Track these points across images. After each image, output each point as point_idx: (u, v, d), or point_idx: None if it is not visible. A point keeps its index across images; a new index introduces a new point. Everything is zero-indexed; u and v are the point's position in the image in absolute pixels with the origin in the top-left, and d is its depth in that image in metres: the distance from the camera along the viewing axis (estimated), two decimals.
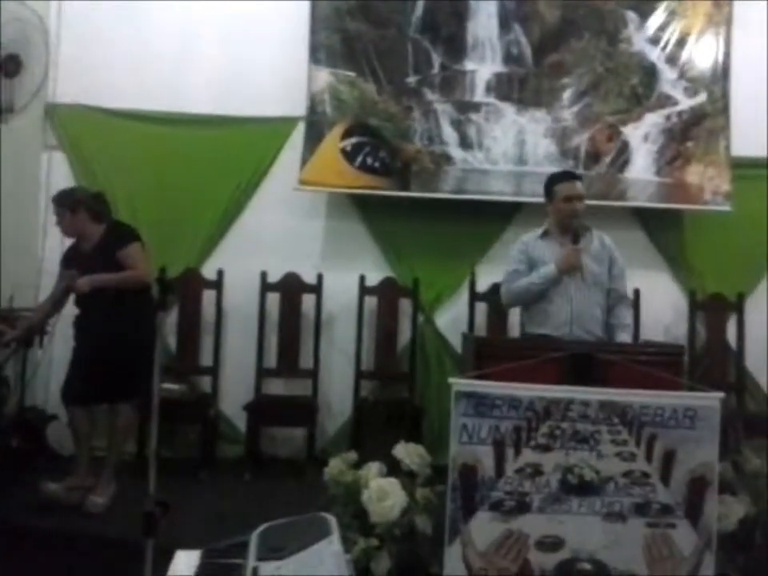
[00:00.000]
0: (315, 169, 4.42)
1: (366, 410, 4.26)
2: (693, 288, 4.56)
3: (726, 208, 4.42)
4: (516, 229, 4.47)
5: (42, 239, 4.46)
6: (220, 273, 4.46)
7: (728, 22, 4.50)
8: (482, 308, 4.49)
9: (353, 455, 2.52)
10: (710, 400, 2.32)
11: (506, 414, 2.25)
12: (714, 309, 4.55)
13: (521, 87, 4.50)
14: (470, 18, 4.48)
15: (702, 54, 4.51)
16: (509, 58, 4.50)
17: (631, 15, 4.51)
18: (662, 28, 4.51)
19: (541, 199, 4.34)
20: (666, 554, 2.26)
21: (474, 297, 4.47)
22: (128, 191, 4.45)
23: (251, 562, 1.31)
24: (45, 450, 4.07)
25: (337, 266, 4.51)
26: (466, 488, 2.22)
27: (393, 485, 2.34)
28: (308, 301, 4.48)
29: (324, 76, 4.46)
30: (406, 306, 4.52)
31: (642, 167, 4.46)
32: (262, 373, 4.40)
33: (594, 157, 4.47)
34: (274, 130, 4.59)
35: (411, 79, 4.48)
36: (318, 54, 4.46)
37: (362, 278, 4.47)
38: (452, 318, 4.54)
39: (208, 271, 4.50)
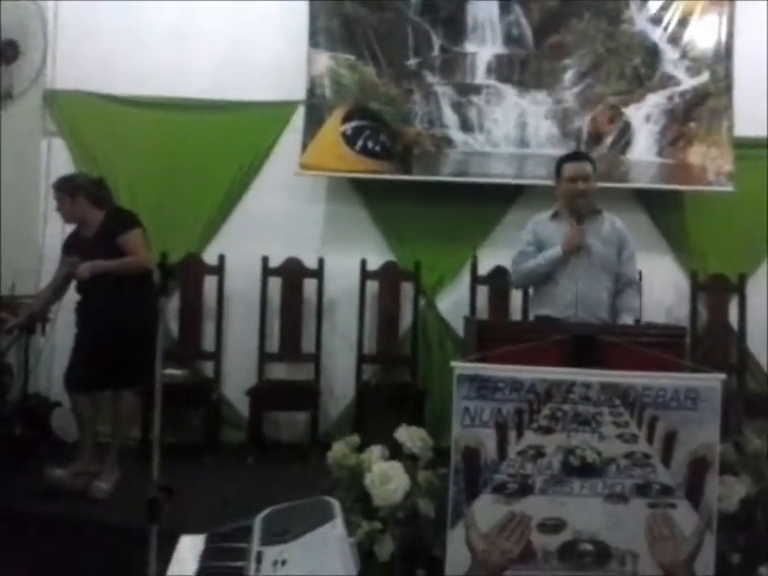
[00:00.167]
0: (316, 153, 4.40)
1: (369, 393, 4.28)
2: (694, 269, 4.56)
3: (729, 188, 4.40)
4: (518, 211, 4.47)
5: (42, 226, 4.46)
6: (221, 258, 4.46)
7: (731, 1, 4.46)
8: (483, 291, 4.49)
9: (356, 439, 2.52)
10: (712, 381, 2.32)
11: (508, 396, 2.26)
12: (715, 290, 4.55)
13: (522, 69, 4.47)
14: None
15: (705, 33, 4.47)
16: (509, 40, 4.47)
17: None
18: (664, 8, 4.47)
19: (542, 181, 4.38)
20: (667, 535, 2.27)
21: (476, 280, 4.47)
22: (128, 177, 4.44)
23: (255, 546, 1.32)
24: (49, 437, 4.10)
25: (338, 250, 4.51)
26: (469, 471, 2.22)
27: (395, 468, 2.35)
28: (309, 285, 4.48)
29: (324, 59, 4.43)
30: (407, 289, 4.52)
31: (644, 148, 4.44)
32: (264, 357, 4.41)
33: (595, 138, 4.45)
34: (274, 114, 4.57)
35: (411, 62, 4.45)
36: (317, 37, 4.43)
37: (364, 262, 4.47)
38: (454, 302, 4.54)
39: (209, 256, 4.50)
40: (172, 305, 4.37)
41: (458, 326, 4.37)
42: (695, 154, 4.42)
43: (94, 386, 3.49)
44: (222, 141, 4.53)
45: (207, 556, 1.37)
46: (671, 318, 4.43)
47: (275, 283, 4.48)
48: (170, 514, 2.07)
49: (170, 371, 3.80)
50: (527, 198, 4.48)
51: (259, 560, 1.25)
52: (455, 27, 4.45)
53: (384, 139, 4.43)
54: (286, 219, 4.50)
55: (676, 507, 2.27)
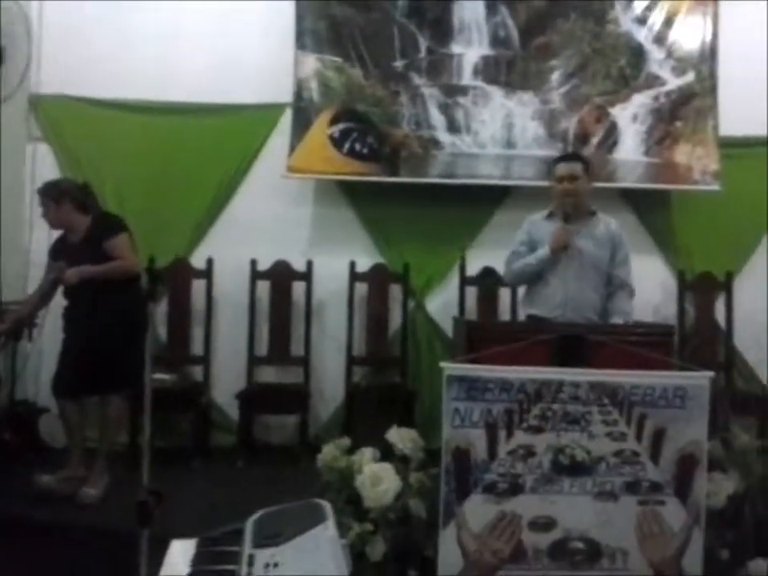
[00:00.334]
0: (303, 156, 4.40)
1: (358, 395, 4.27)
2: (682, 268, 4.58)
3: (715, 187, 4.43)
4: (505, 212, 4.49)
5: (29, 232, 4.42)
6: (209, 262, 4.45)
7: (715, 1, 4.49)
8: (472, 292, 4.50)
9: (346, 441, 2.52)
10: (700, 379, 2.34)
11: (498, 396, 2.26)
12: (702, 288, 4.58)
13: (508, 70, 4.48)
14: (455, 0, 4.46)
15: (690, 33, 4.50)
16: (496, 41, 4.48)
17: None
18: (649, 8, 4.50)
19: (529, 182, 4.41)
20: (656, 531, 2.28)
21: (465, 281, 4.47)
22: (115, 181, 4.42)
23: (247, 549, 1.32)
24: (37, 443, 4.07)
25: (326, 252, 4.51)
26: (460, 471, 2.23)
27: (386, 470, 2.35)
28: (298, 288, 4.48)
29: (310, 62, 4.43)
30: (396, 291, 4.53)
31: (630, 148, 4.46)
32: (253, 361, 4.40)
33: (582, 138, 4.47)
34: (260, 117, 4.56)
35: (398, 63, 4.46)
36: (304, 39, 4.43)
37: (353, 265, 4.47)
38: (443, 303, 4.54)
39: (197, 260, 4.48)
40: (160, 309, 4.35)
41: (447, 327, 4.38)
42: (681, 154, 4.45)
43: (81, 392, 3.48)
44: (209, 144, 4.51)
45: (198, 560, 1.37)
46: (659, 317, 4.45)
47: (264, 286, 4.47)
48: (159, 519, 2.05)
49: (158, 376, 3.79)
50: (514, 198, 4.50)
51: (251, 563, 1.25)
52: (442, 28, 4.47)
53: (371, 141, 4.44)
54: (273, 222, 4.50)
55: (665, 504, 2.29)
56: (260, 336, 4.45)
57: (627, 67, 4.50)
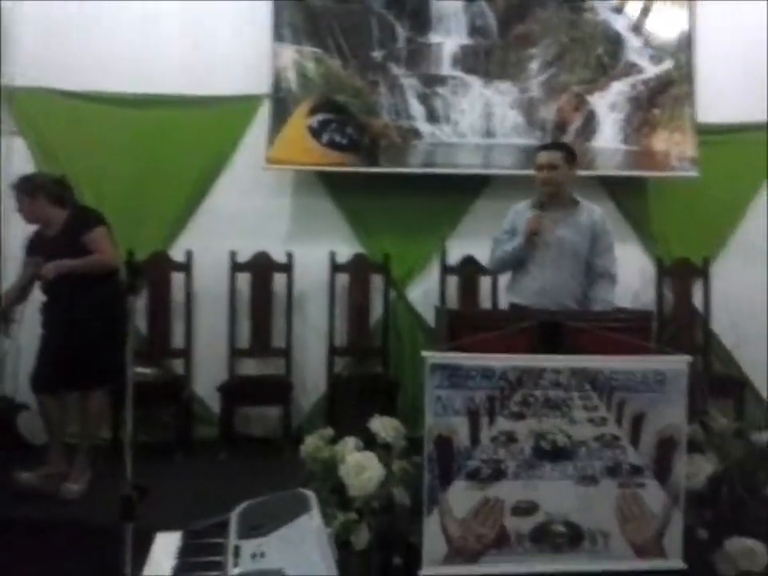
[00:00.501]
0: (282, 147, 4.38)
1: (341, 386, 4.28)
2: (660, 254, 4.63)
3: (693, 174, 4.48)
4: (485, 201, 4.51)
5: (3, 226, 4.37)
6: (188, 254, 4.42)
7: None
8: (453, 281, 4.52)
9: (329, 431, 2.52)
10: (678, 363, 2.37)
11: (480, 384, 2.28)
12: (680, 274, 4.63)
13: (487, 59, 4.49)
14: None
15: (667, 21, 4.54)
16: (474, 30, 4.49)
17: None
18: None
19: (509, 171, 4.42)
20: (636, 513, 2.32)
21: (445, 270, 4.49)
22: (92, 175, 4.37)
23: (232, 540, 1.32)
24: (16, 440, 4.03)
25: (306, 243, 4.50)
26: (443, 458, 2.24)
27: (370, 458, 2.36)
28: (279, 279, 4.46)
29: (288, 53, 4.41)
30: (377, 281, 4.53)
31: (609, 136, 4.49)
32: (234, 353, 4.40)
33: (561, 127, 4.49)
34: (238, 108, 4.53)
35: (377, 54, 4.45)
36: (281, 30, 4.41)
37: (333, 255, 4.46)
38: (423, 292, 4.56)
39: (176, 253, 4.45)
40: (140, 303, 4.31)
41: (429, 317, 4.40)
42: (659, 141, 4.49)
43: (60, 387, 3.46)
44: (187, 136, 4.48)
45: (184, 552, 1.37)
46: (638, 303, 4.50)
47: (244, 278, 4.46)
48: (143, 513, 2.05)
49: (139, 370, 3.78)
50: (494, 187, 4.52)
51: (237, 554, 1.25)
52: (420, 18, 4.46)
53: (350, 132, 4.42)
54: (253, 214, 4.48)
55: (645, 487, 2.32)
56: (241, 328, 4.44)
57: (605, 55, 4.52)
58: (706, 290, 4.59)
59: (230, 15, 4.44)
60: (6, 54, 4.40)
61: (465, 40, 4.48)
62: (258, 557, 1.24)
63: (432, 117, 4.45)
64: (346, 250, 4.52)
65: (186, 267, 4.41)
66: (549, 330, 2.55)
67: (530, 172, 3.54)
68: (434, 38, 4.47)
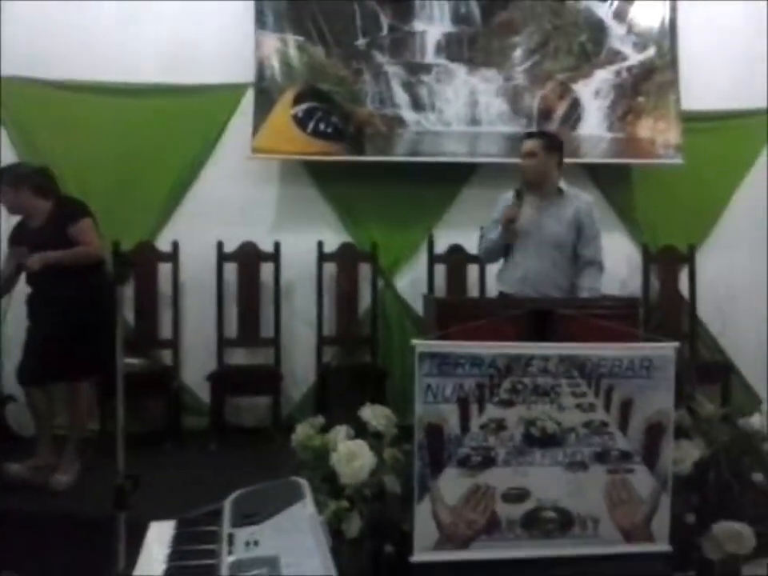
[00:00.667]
0: (267, 136, 4.37)
1: (330, 375, 4.29)
2: (645, 242, 4.66)
3: (678, 161, 4.50)
4: (472, 189, 4.52)
5: None
6: (175, 245, 4.40)
7: None
8: (440, 269, 4.53)
9: (320, 420, 2.53)
10: (665, 350, 2.39)
11: (469, 372, 2.28)
12: (666, 261, 4.67)
13: (471, 47, 4.49)
14: None
15: (650, 8, 4.55)
16: (457, 18, 4.48)
17: None
18: None
19: (495, 159, 4.42)
20: (625, 498, 2.34)
21: (433, 259, 4.50)
22: (76, 165, 4.34)
23: (226, 528, 1.33)
24: (4, 432, 4.02)
25: (293, 233, 4.49)
26: (433, 446, 2.25)
27: (361, 446, 2.36)
28: (266, 269, 4.46)
29: (271, 41, 4.39)
30: (365, 270, 4.53)
31: (593, 123, 4.51)
32: (223, 343, 4.39)
33: (546, 115, 4.50)
34: (222, 97, 4.51)
35: (360, 42, 4.43)
36: (264, 18, 4.38)
37: (320, 245, 4.46)
38: (411, 281, 4.57)
39: (162, 243, 4.43)
40: (127, 294, 4.29)
41: (417, 305, 4.41)
42: (644, 128, 4.51)
43: (48, 379, 3.44)
44: (171, 126, 4.45)
45: (178, 540, 1.37)
46: (624, 290, 4.53)
47: (231, 268, 4.44)
48: (134, 503, 2.05)
49: (128, 360, 3.75)
50: (481, 175, 4.52)
51: (231, 542, 1.25)
52: (403, 6, 4.45)
53: (336, 120, 4.41)
54: (239, 203, 4.46)
55: (634, 472, 2.34)
56: (229, 318, 4.43)
57: (588, 43, 4.53)
58: (691, 276, 4.62)
59: (213, 3, 4.40)
60: None
61: (448, 28, 4.47)
62: (251, 545, 1.24)
63: (417, 105, 4.45)
64: (333, 238, 4.52)
65: (172, 257, 4.39)
66: (537, 318, 2.57)
67: (517, 160, 3.54)
68: (418, 25, 4.46)
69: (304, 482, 1.51)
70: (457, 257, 4.48)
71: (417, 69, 4.46)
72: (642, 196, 4.68)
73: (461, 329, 2.38)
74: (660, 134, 4.50)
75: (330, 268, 4.51)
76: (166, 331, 4.40)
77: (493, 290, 3.91)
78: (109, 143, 4.39)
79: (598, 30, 4.54)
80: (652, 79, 4.53)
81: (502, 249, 3.47)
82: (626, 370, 2.34)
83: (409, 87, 4.45)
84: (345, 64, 4.41)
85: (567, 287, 3.39)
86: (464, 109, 4.48)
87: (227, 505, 1.45)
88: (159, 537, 1.40)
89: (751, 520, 2.43)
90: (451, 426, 2.27)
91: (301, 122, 4.39)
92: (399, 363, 4.36)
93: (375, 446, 2.42)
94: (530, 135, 3.60)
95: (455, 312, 2.85)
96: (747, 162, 4.67)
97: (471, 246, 4.04)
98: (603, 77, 4.53)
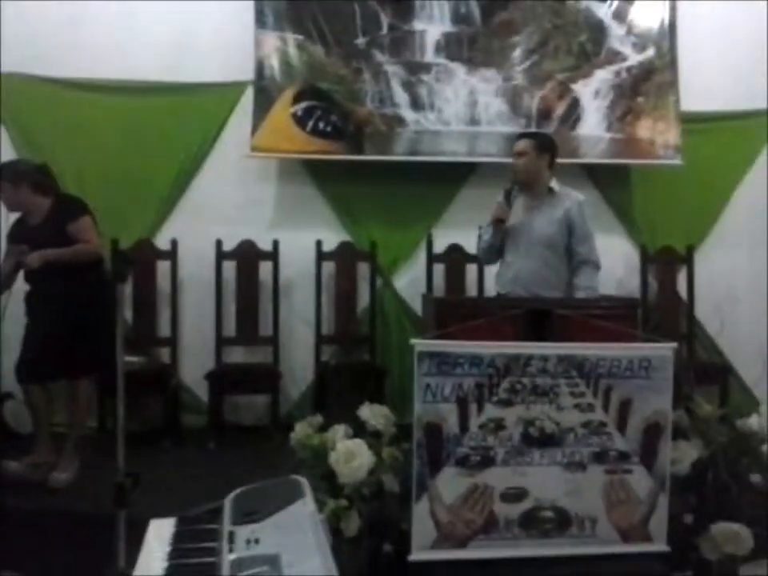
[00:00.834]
0: (267, 135, 4.36)
1: (329, 374, 4.29)
2: (644, 242, 4.66)
3: (677, 162, 4.51)
4: (471, 189, 4.52)
5: None
6: (174, 243, 4.40)
7: None
8: (439, 269, 4.53)
9: (319, 419, 2.53)
10: (664, 350, 2.40)
11: (468, 371, 2.29)
12: (664, 262, 4.67)
13: (470, 47, 4.49)
14: None
15: (649, 9, 4.55)
16: (457, 18, 4.48)
17: None
18: None
19: (494, 159, 4.42)
20: (623, 498, 2.35)
21: (432, 258, 4.50)
22: (74, 162, 4.33)
23: (226, 526, 1.33)
24: (2, 429, 4.01)
25: (292, 231, 4.48)
26: (432, 445, 2.26)
27: (359, 445, 2.37)
28: (264, 268, 4.45)
29: (271, 40, 4.38)
30: (363, 269, 4.53)
31: (593, 124, 4.51)
32: (221, 342, 4.38)
33: (545, 115, 4.50)
34: (222, 95, 4.51)
35: (360, 41, 4.43)
36: (264, 17, 4.38)
37: (319, 243, 4.45)
38: (410, 280, 4.57)
39: (161, 241, 4.43)
40: (125, 291, 4.28)
41: (415, 304, 4.41)
42: (643, 129, 4.51)
43: (46, 377, 3.43)
44: (170, 124, 4.45)
45: (179, 538, 1.38)
46: (622, 291, 4.54)
47: (230, 266, 4.44)
48: (133, 501, 2.05)
49: (126, 358, 3.75)
50: (480, 175, 4.52)
51: (232, 540, 1.26)
52: (403, 5, 4.45)
53: (335, 119, 4.41)
54: (238, 202, 4.46)
55: (632, 472, 2.35)
56: (227, 317, 4.42)
57: (588, 43, 4.53)
58: (689, 277, 4.63)
59: (213, 2, 4.40)
60: None
61: (448, 27, 4.47)
62: (252, 543, 1.25)
63: (416, 104, 4.45)
64: (332, 237, 4.51)
65: (171, 255, 4.39)
66: (536, 318, 2.57)
67: None
68: (418, 25, 4.46)
69: (304, 481, 1.51)
70: (456, 256, 4.48)
71: (416, 68, 4.46)
72: (641, 197, 4.68)
73: (460, 328, 2.39)
74: (659, 134, 4.51)
75: (328, 267, 4.51)
76: (164, 329, 4.40)
77: (492, 290, 3.91)
78: (108, 141, 4.39)
79: (598, 30, 4.54)
80: (651, 80, 4.53)
81: (498, 249, 3.50)
82: (625, 371, 2.35)
83: (408, 86, 4.45)
84: (344, 63, 4.41)
85: (560, 287, 3.40)
86: (463, 108, 4.48)
87: (227, 503, 1.45)
88: (159, 534, 1.40)
89: (749, 521, 2.44)
90: (450, 425, 2.27)
91: (300, 120, 4.39)
92: (398, 362, 4.36)
93: (374, 445, 2.42)
94: (521, 135, 3.63)
95: (454, 311, 2.85)
96: (746, 163, 4.68)
97: (470, 245, 4.05)
98: (603, 77, 4.53)
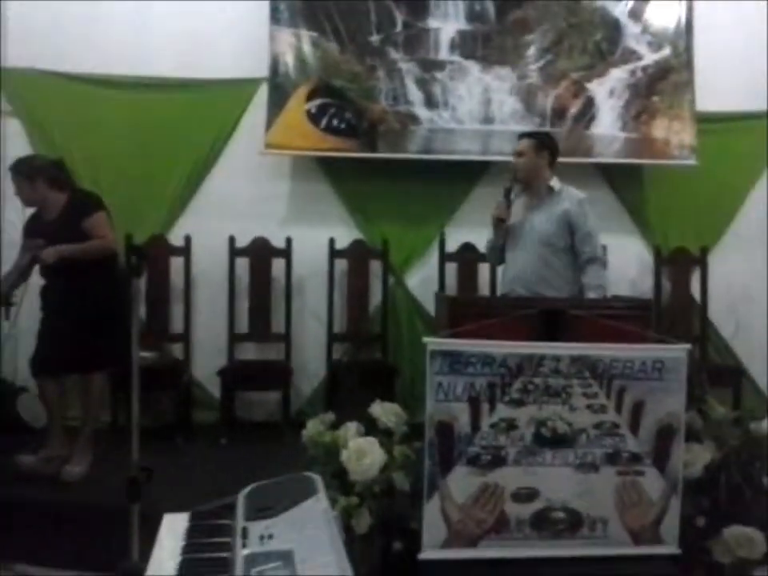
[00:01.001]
0: (280, 132, 4.37)
1: (340, 371, 4.29)
2: (657, 243, 4.64)
3: (692, 162, 4.48)
4: (484, 188, 4.51)
5: (2, 209, 4.35)
6: (187, 239, 4.41)
7: None
8: (452, 268, 4.52)
9: (330, 416, 2.54)
10: (677, 351, 2.38)
11: (480, 371, 2.29)
12: (678, 263, 4.64)
13: (485, 45, 4.48)
14: None
15: (665, 7, 4.52)
16: (472, 15, 4.47)
17: None
18: None
19: (508, 158, 4.39)
20: (635, 500, 2.34)
21: (444, 257, 4.49)
22: (88, 158, 4.35)
23: (240, 521, 1.33)
24: (17, 423, 4.04)
25: (305, 229, 4.49)
26: (443, 444, 2.26)
27: (371, 443, 2.37)
28: (277, 265, 4.46)
29: (286, 37, 4.39)
30: (376, 267, 4.53)
31: (607, 123, 4.49)
32: (234, 338, 4.40)
33: (559, 114, 4.48)
34: (236, 92, 4.52)
35: (374, 38, 4.43)
36: (279, 13, 4.38)
37: (332, 241, 4.46)
38: (422, 279, 4.57)
39: (175, 237, 4.45)
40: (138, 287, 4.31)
41: (427, 303, 4.41)
42: (659, 128, 4.49)
43: (60, 371, 3.46)
44: (184, 120, 4.47)
45: (192, 533, 1.38)
46: (635, 291, 4.52)
47: (242, 263, 4.45)
48: (146, 495, 2.07)
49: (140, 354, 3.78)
50: (493, 174, 4.51)
51: (245, 535, 1.26)
52: (418, 3, 4.44)
53: (349, 117, 4.41)
54: (251, 198, 4.47)
55: (644, 474, 2.34)
56: (240, 313, 4.44)
57: (603, 42, 4.51)
58: (703, 279, 4.60)
59: None
60: (3, 35, 4.36)
61: (463, 25, 4.46)
62: (266, 538, 1.25)
63: (430, 102, 4.45)
64: (345, 235, 4.52)
65: (184, 251, 4.40)
66: (550, 318, 2.57)
67: None
68: (432, 22, 4.45)
69: (317, 477, 1.52)
70: (468, 255, 4.47)
71: (430, 66, 4.46)
72: (655, 197, 4.66)
73: (472, 327, 2.38)
74: (674, 134, 4.48)
75: (341, 264, 4.51)
76: (177, 325, 4.41)
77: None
78: (122, 137, 4.40)
79: (613, 28, 4.52)
80: (667, 79, 4.50)
81: (501, 249, 3.52)
82: (638, 372, 2.34)
83: (422, 84, 4.45)
84: (359, 60, 4.42)
85: (561, 286, 3.39)
86: (477, 107, 4.47)
87: (241, 498, 1.46)
88: (173, 529, 1.41)
89: (762, 525, 2.42)
90: (462, 424, 2.27)
91: (314, 117, 4.39)
92: (409, 361, 4.36)
93: (385, 444, 2.42)
94: (521, 135, 3.64)
95: (467, 310, 2.85)
96: (762, 164, 4.64)
97: (483, 244, 4.03)
98: (618, 76, 4.51)
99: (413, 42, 4.44)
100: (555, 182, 3.47)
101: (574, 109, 4.50)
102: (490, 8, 4.48)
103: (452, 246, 4.50)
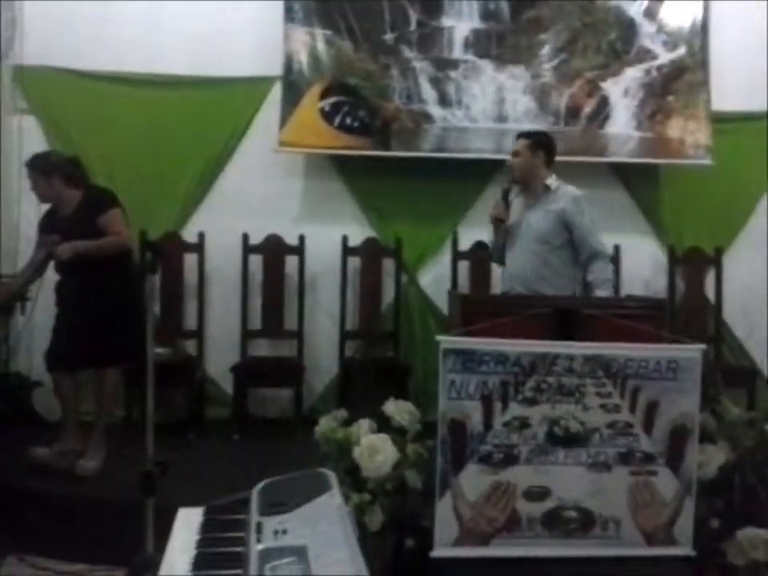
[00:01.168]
0: (294, 130, 4.38)
1: (353, 369, 4.30)
2: (672, 243, 4.62)
3: (707, 161, 4.45)
4: (497, 186, 4.45)
5: (18, 204, 4.39)
6: (201, 236, 4.43)
7: None
8: (464, 266, 4.52)
9: (343, 413, 2.54)
10: (692, 352, 2.37)
11: (493, 369, 2.28)
12: (692, 263, 4.62)
13: (499, 44, 4.47)
14: None
15: (681, 7, 4.50)
16: (486, 14, 4.46)
17: None
18: None
19: None
20: (648, 500, 2.33)
21: (457, 255, 4.49)
22: (103, 155, 4.38)
23: (254, 516, 1.34)
24: (31, 417, 4.07)
25: (318, 226, 4.50)
26: (456, 442, 2.26)
27: (384, 440, 2.37)
28: (291, 262, 4.47)
29: (300, 35, 4.40)
30: (389, 265, 4.54)
31: (622, 122, 4.47)
32: (246, 335, 4.42)
33: (574, 113, 4.47)
34: (250, 90, 4.54)
35: (388, 36, 4.43)
36: (293, 12, 4.39)
37: (345, 239, 4.47)
38: (435, 277, 4.57)
39: (189, 234, 4.47)
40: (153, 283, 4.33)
41: (440, 301, 4.41)
42: (673, 128, 4.47)
43: (75, 365, 3.48)
44: (199, 117, 4.49)
45: (207, 527, 1.39)
46: (649, 291, 4.50)
47: (256, 260, 4.47)
48: (159, 490, 2.08)
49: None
50: (506, 173, 4.45)
51: (259, 530, 1.27)
52: (432, 2, 4.44)
53: (363, 115, 4.42)
54: (265, 196, 4.49)
55: (657, 474, 2.33)
56: (253, 310, 4.45)
57: (618, 41, 4.49)
58: (718, 279, 4.57)
59: None
60: (19, 33, 4.39)
61: (477, 24, 4.46)
62: (280, 533, 1.25)
63: (444, 101, 4.45)
64: (358, 233, 4.53)
65: (198, 248, 4.43)
66: (563, 317, 2.56)
67: None
68: (446, 21, 4.45)
69: (331, 474, 1.52)
70: (481, 254, 4.46)
71: (444, 64, 4.46)
72: (670, 197, 4.63)
73: (486, 326, 2.38)
74: (689, 134, 4.46)
75: (354, 262, 4.52)
76: (190, 321, 4.44)
77: None
78: (136, 134, 4.43)
79: (628, 28, 4.50)
80: (682, 78, 4.48)
81: (502, 248, 3.52)
82: (653, 372, 2.33)
83: (436, 83, 4.45)
84: (373, 59, 4.42)
85: (561, 284, 3.38)
86: (491, 105, 4.47)
87: (255, 494, 1.47)
88: (188, 523, 1.42)
89: None
90: (474, 422, 2.27)
91: (328, 116, 4.40)
92: (421, 359, 4.36)
93: (398, 441, 2.43)
94: (518, 135, 3.63)
95: (480, 309, 2.84)
96: None
97: None
98: (633, 75, 4.49)
99: (427, 40, 4.44)
100: (552, 181, 3.46)
101: (588, 108, 4.48)
102: (505, 7, 4.47)
103: (465, 244, 4.50)
